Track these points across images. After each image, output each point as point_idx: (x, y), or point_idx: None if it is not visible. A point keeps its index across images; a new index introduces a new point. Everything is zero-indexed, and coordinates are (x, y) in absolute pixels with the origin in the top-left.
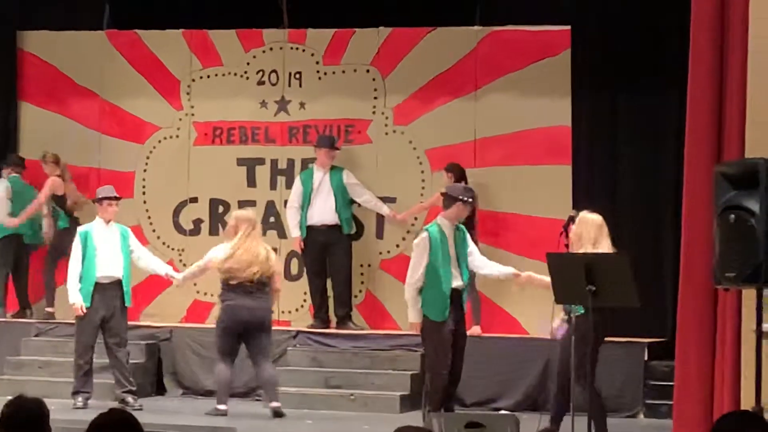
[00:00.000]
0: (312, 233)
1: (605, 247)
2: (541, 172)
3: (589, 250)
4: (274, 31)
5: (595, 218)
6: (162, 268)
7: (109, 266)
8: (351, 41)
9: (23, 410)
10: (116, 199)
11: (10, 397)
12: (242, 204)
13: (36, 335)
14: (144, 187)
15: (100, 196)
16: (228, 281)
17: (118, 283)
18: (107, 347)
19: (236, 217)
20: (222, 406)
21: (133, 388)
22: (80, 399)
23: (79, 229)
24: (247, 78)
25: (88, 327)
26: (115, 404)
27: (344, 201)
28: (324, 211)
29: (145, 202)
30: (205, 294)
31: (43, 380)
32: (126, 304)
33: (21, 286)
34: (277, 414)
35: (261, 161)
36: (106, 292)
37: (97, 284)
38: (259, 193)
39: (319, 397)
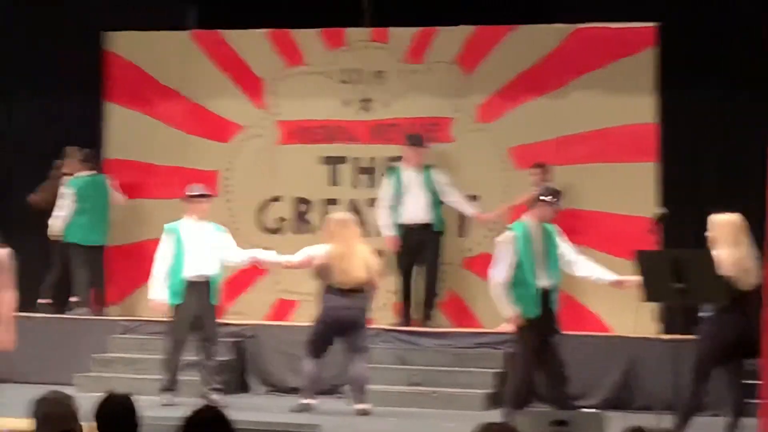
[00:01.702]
0: (404, 232)
1: (746, 246)
2: (625, 170)
3: (728, 251)
4: (357, 30)
5: (728, 218)
6: (252, 253)
7: (199, 264)
8: (434, 39)
9: (115, 406)
10: (205, 197)
11: (99, 394)
12: (326, 203)
13: (122, 333)
14: (228, 186)
15: (189, 194)
16: (326, 283)
17: (208, 282)
18: (199, 345)
19: (329, 220)
20: (307, 401)
21: (219, 386)
22: (169, 396)
23: (167, 226)
24: (330, 77)
25: (179, 325)
26: (202, 401)
27: (435, 199)
28: (416, 210)
29: (228, 201)
30: (290, 293)
31: (129, 377)
32: (212, 302)
33: (98, 286)
34: (362, 414)
35: (344, 160)
36: (198, 290)
37: (188, 282)
38: (342, 191)
39: (403, 394)
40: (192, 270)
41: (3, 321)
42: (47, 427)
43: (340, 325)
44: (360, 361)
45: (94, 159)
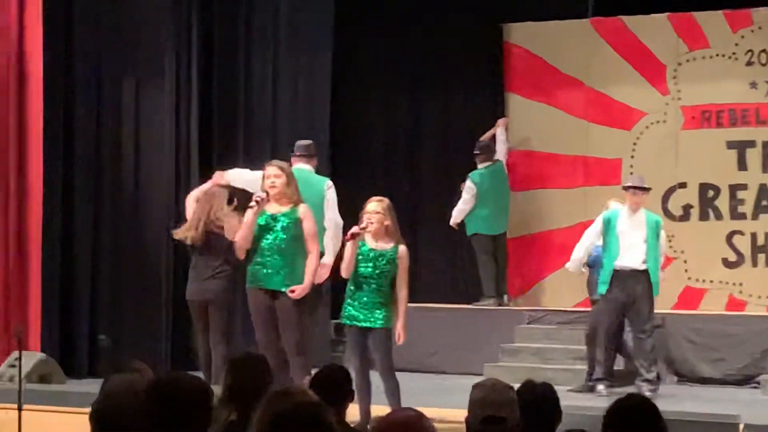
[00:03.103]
0: None
1: None
2: None
3: None
4: (764, 9)
5: None
6: None
7: (629, 255)
8: None
9: (535, 395)
10: (639, 189)
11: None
12: (733, 188)
13: (529, 322)
14: (632, 173)
15: (625, 185)
16: None
17: (639, 272)
18: (633, 335)
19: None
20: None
21: (651, 377)
22: (602, 386)
23: (605, 213)
24: (736, 59)
25: (605, 315)
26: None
27: None
28: None
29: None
30: (697, 280)
31: (536, 366)
32: (653, 294)
33: (501, 275)
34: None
35: (752, 144)
36: (627, 280)
37: (616, 272)
38: (751, 176)
39: None
40: (621, 260)
41: (400, 316)
42: (482, 413)
43: None
44: None
45: (489, 150)
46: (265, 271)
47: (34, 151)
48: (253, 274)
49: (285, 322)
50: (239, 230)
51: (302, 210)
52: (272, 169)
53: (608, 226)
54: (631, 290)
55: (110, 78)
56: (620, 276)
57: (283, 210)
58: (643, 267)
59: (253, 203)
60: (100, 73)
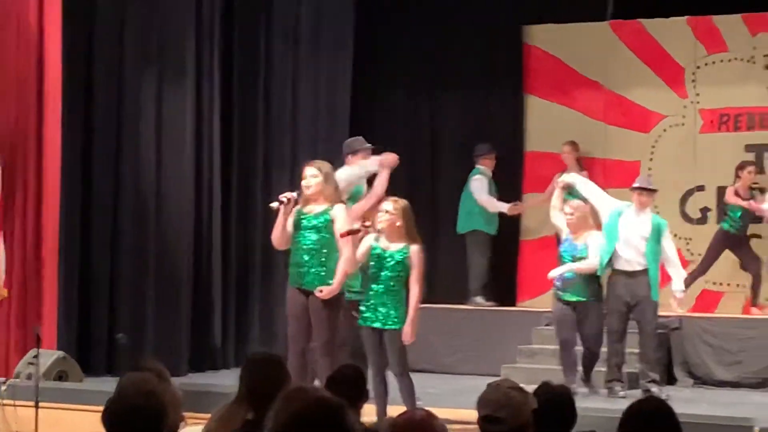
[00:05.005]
0: None
1: None
2: None
3: None
4: None
5: None
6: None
7: (629, 254)
8: None
9: (553, 395)
10: (645, 189)
11: (525, 385)
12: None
13: (547, 324)
14: (649, 176)
15: (634, 185)
16: None
17: (639, 273)
18: (639, 336)
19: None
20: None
21: (656, 378)
22: (617, 387)
23: (615, 206)
24: (754, 63)
25: (611, 315)
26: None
27: None
28: None
29: None
30: (714, 283)
31: (554, 368)
32: (652, 298)
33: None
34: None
35: None
36: (629, 280)
37: (619, 272)
38: None
39: None
40: (621, 260)
41: (409, 315)
42: (481, 412)
43: None
44: None
45: (473, 155)
46: (297, 270)
47: (52, 149)
48: (290, 273)
49: (315, 321)
50: None
51: (334, 211)
52: (309, 168)
53: (614, 219)
54: (634, 291)
55: (131, 77)
56: (624, 276)
57: (316, 210)
58: (641, 267)
59: (274, 203)
60: (121, 71)
